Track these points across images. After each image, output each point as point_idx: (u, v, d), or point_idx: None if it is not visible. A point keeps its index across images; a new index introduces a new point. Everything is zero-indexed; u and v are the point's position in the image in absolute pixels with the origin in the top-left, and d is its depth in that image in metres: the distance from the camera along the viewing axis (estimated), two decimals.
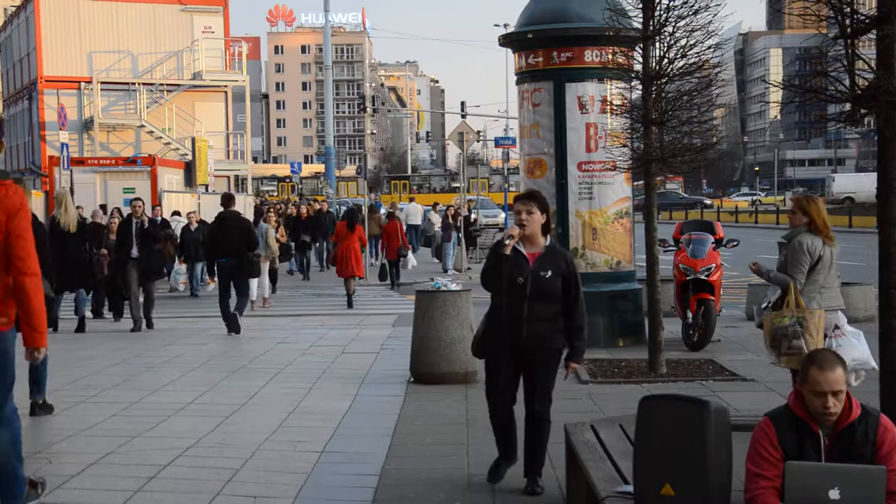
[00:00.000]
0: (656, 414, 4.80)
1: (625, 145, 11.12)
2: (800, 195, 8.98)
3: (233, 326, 14.69)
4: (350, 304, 19.31)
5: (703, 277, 12.75)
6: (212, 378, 11.17)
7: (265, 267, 19.25)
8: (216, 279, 15.32)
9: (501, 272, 6.51)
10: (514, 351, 6.59)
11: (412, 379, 10.78)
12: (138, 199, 16.37)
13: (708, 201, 75.60)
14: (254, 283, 18.01)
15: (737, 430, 4.91)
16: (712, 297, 12.70)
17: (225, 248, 14.71)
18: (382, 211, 33.73)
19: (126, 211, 17.68)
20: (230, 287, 14.91)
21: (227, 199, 15.60)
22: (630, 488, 4.91)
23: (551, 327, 6.57)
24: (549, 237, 6.68)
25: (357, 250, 19.53)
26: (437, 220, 33.25)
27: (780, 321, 7.99)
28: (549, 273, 6.51)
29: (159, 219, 21.26)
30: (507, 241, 6.49)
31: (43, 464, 7.24)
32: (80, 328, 15.24)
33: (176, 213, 25.12)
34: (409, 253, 25.40)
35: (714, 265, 12.90)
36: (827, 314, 8.08)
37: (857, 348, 8.14)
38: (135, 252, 15.61)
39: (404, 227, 27.60)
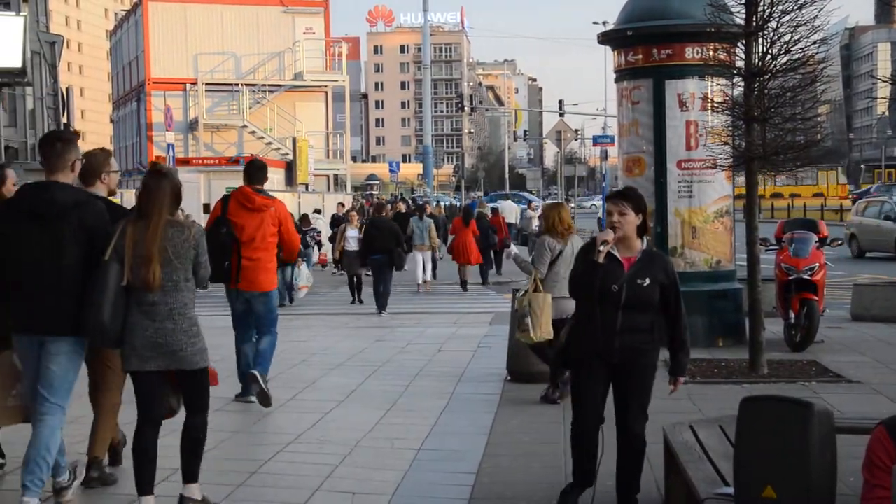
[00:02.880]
0: (758, 415, 4.72)
1: (726, 143, 10.95)
2: (546, 203, 10.49)
3: (381, 307, 17.77)
4: (465, 289, 22.63)
5: (806, 277, 12.50)
6: (311, 375, 11.32)
7: (427, 255, 22.67)
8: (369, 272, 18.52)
9: (594, 280, 5.93)
10: (605, 364, 6.04)
11: (509, 378, 10.78)
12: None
13: None
14: (419, 270, 22.33)
15: (841, 432, 4.81)
16: (815, 297, 12.43)
17: (378, 246, 17.94)
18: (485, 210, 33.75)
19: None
20: (380, 278, 17.96)
21: (380, 208, 20.24)
22: (730, 490, 4.84)
23: (647, 339, 5.99)
24: (645, 240, 6.07)
25: (472, 241, 22.97)
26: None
27: (520, 303, 9.54)
28: (647, 281, 5.91)
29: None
30: (600, 248, 5.89)
31: None
32: None
33: (317, 210, 25.57)
34: (512, 244, 25.91)
35: (818, 264, 12.64)
36: (566, 300, 8.85)
37: None
38: None
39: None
